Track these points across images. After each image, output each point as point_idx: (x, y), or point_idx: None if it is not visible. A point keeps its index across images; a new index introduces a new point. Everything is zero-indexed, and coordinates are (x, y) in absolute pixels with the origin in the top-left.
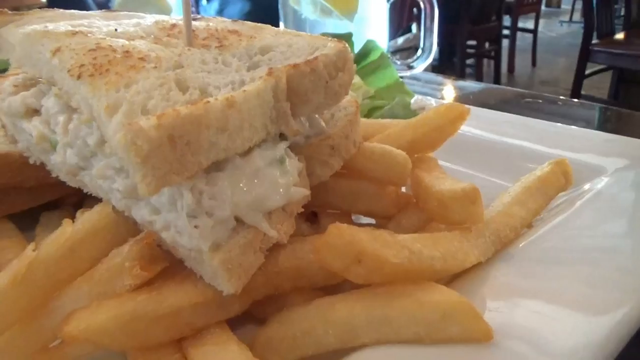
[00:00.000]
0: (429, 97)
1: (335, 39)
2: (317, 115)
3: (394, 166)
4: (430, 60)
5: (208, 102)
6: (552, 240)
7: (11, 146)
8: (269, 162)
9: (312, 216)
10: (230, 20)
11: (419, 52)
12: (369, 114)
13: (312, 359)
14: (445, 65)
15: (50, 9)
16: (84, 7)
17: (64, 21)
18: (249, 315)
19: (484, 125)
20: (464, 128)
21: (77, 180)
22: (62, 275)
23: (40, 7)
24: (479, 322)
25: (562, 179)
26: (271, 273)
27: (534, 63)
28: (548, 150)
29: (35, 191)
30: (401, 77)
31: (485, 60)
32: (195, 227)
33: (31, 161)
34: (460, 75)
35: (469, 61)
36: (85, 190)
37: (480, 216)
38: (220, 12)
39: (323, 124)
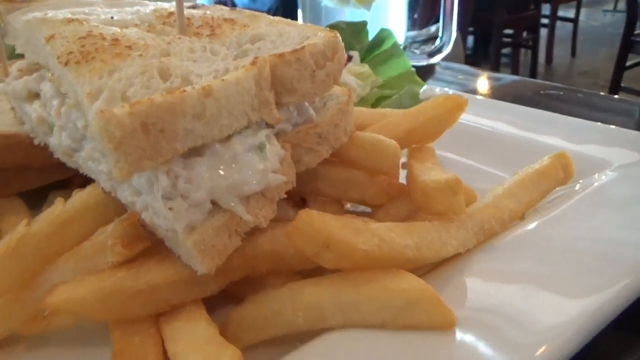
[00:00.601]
0: (446, 88)
1: (327, 29)
2: (306, 104)
3: (385, 156)
4: (449, 49)
5: (184, 90)
6: (541, 232)
7: (20, 127)
8: (248, 149)
9: (300, 202)
10: (228, 8)
11: (437, 41)
12: (376, 103)
13: (283, 339)
14: (480, 55)
15: None
16: None
17: (66, 8)
18: (230, 296)
19: (490, 116)
20: (469, 118)
21: (73, 162)
22: (51, 250)
23: None
24: (443, 310)
25: (560, 173)
26: (248, 255)
27: (573, 54)
28: (554, 143)
29: (44, 171)
30: (414, 67)
31: (522, 50)
32: (170, 209)
33: (35, 142)
34: (495, 65)
35: (505, 51)
36: (81, 171)
37: (462, 207)
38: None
39: (312, 112)
